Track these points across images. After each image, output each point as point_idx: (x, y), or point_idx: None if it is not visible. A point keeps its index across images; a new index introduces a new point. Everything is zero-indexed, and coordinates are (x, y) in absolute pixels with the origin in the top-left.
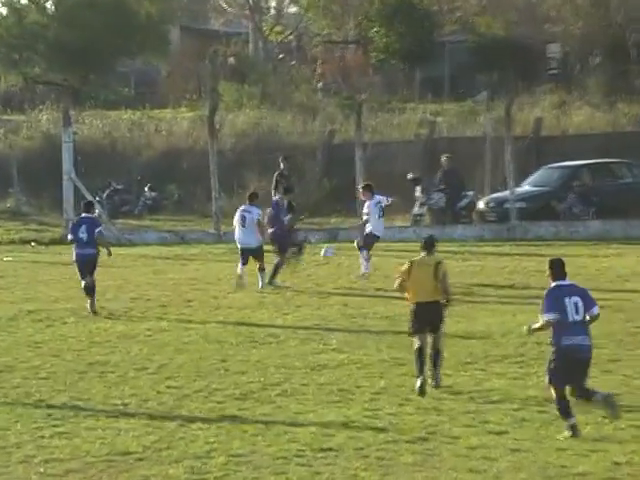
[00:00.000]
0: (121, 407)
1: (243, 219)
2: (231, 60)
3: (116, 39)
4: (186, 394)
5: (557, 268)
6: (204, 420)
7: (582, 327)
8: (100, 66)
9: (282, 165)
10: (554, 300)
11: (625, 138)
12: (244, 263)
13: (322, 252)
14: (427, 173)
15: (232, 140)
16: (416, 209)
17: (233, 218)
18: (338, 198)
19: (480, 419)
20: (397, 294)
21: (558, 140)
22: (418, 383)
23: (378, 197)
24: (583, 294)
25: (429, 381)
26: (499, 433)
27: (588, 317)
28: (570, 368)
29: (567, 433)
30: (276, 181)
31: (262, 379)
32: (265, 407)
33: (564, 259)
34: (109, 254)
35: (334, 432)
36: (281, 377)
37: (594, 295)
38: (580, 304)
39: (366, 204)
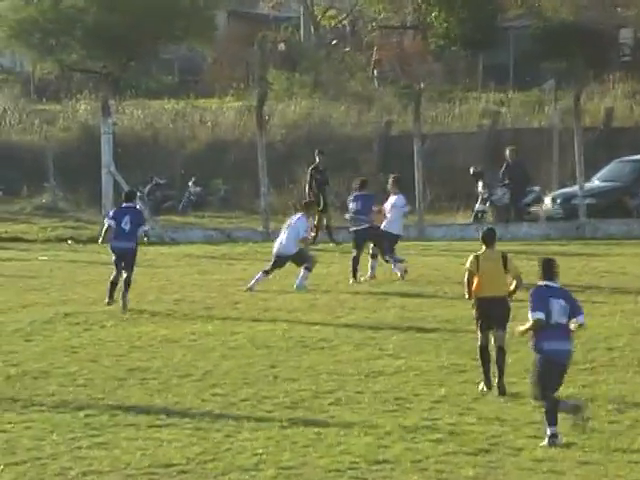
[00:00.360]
0: (163, 416)
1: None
2: (281, 46)
3: (159, 24)
4: (233, 402)
5: (547, 268)
6: (252, 430)
7: (565, 331)
8: (141, 53)
9: (318, 159)
10: (539, 299)
11: None
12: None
13: None
14: (490, 167)
15: (282, 132)
16: (478, 205)
17: (284, 215)
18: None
19: (543, 430)
20: (457, 297)
21: (630, 132)
22: (482, 386)
23: (403, 198)
24: (569, 298)
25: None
26: (566, 445)
27: (573, 325)
28: (552, 373)
29: (546, 442)
30: (310, 176)
31: (314, 387)
32: (317, 416)
33: (556, 260)
34: None
35: (390, 443)
36: (334, 384)
37: None
38: (565, 307)
39: (392, 199)
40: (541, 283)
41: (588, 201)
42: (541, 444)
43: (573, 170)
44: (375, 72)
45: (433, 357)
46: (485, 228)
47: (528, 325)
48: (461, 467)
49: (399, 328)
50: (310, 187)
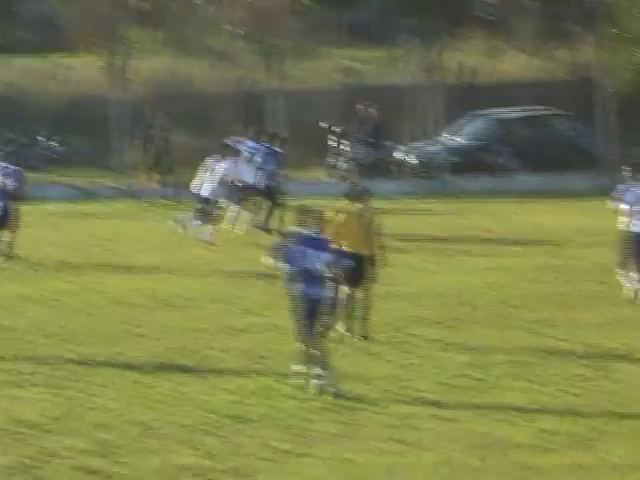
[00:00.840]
0: (28, 376)
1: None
2: (144, 4)
3: None
4: (98, 361)
5: (300, 215)
6: (116, 389)
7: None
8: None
9: (156, 118)
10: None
11: (561, 87)
12: None
13: None
14: (350, 124)
15: (144, 90)
16: (338, 162)
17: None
18: None
19: (409, 387)
20: None
21: (490, 89)
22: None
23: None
24: (322, 247)
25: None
26: (427, 401)
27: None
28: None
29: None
30: (148, 134)
31: (179, 345)
32: (182, 375)
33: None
34: None
35: (254, 402)
36: (199, 343)
37: (534, 253)
38: (318, 254)
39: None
40: (299, 234)
41: (449, 157)
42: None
43: (434, 127)
44: (237, 30)
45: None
46: (352, 185)
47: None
48: (321, 424)
49: (264, 287)
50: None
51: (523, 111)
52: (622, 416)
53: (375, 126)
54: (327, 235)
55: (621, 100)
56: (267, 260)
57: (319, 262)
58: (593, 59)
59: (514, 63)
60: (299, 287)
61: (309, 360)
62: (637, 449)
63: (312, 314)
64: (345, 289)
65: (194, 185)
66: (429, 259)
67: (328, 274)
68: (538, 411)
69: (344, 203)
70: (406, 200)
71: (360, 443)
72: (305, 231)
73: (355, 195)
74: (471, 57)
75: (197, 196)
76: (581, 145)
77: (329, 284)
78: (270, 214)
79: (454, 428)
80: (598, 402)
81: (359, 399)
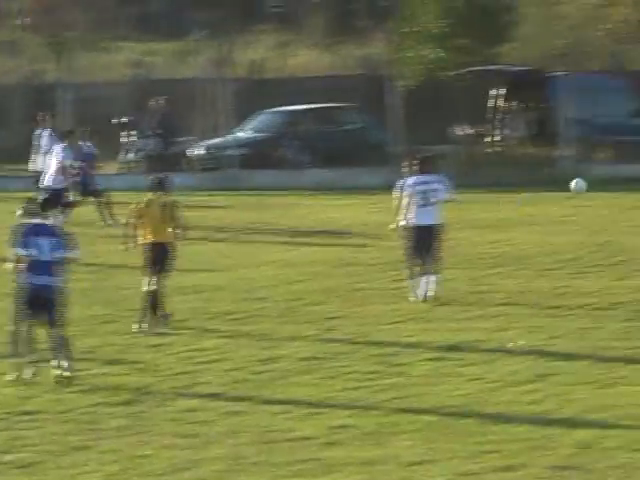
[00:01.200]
0: None
1: None
2: None
3: None
4: None
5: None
6: None
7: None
8: None
9: None
10: (24, 235)
11: (350, 81)
12: None
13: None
14: (140, 117)
15: None
16: (129, 155)
17: None
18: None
19: (194, 380)
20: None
21: (280, 83)
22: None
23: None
24: (57, 235)
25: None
26: (214, 395)
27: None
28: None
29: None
30: None
31: None
32: None
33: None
34: None
35: (37, 393)
36: None
37: (324, 247)
38: (53, 242)
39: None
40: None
41: (238, 151)
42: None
43: (225, 120)
44: (23, 21)
45: (84, 308)
46: (160, 175)
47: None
48: (108, 417)
49: None
50: None
51: (313, 105)
52: (410, 411)
53: (164, 119)
54: (132, 225)
55: (410, 95)
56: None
57: (50, 250)
58: (384, 54)
59: (305, 58)
60: (26, 275)
61: (25, 349)
62: (426, 444)
63: (38, 303)
64: (145, 281)
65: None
66: (219, 253)
67: (60, 261)
68: (327, 406)
69: (147, 195)
70: (196, 194)
71: (147, 437)
72: (34, 220)
73: (155, 186)
74: (262, 52)
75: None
76: (371, 139)
77: (60, 273)
78: (101, 210)
79: (242, 422)
80: (387, 397)
81: (147, 393)
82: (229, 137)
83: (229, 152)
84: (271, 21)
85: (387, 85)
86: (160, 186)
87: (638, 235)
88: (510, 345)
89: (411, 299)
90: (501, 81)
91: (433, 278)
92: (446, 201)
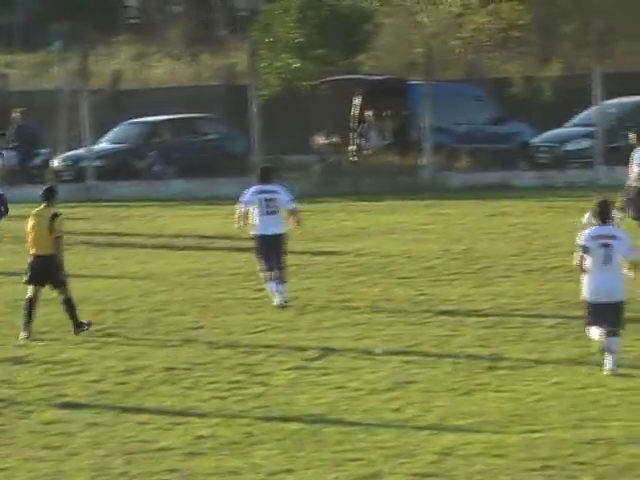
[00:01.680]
0: None
1: None
2: None
3: None
4: None
5: None
6: None
7: None
8: None
9: None
10: None
11: (211, 92)
12: None
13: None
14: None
15: None
16: None
17: None
18: None
19: (57, 392)
20: None
21: (139, 94)
22: (23, 335)
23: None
24: None
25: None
26: (77, 406)
27: None
28: None
29: None
30: None
31: None
32: None
33: None
34: None
35: None
36: None
37: (182, 258)
38: None
39: None
40: None
41: (97, 163)
42: None
43: (84, 132)
44: None
45: None
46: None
47: None
48: None
49: None
50: None
51: (173, 116)
52: (274, 420)
53: (22, 131)
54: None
55: (270, 105)
56: None
57: None
58: (244, 65)
59: (166, 69)
60: None
61: None
62: (289, 452)
63: None
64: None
65: None
66: (79, 265)
67: None
68: (190, 416)
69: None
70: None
71: (9, 449)
72: None
73: (43, 196)
74: (122, 63)
75: None
76: (232, 150)
77: None
78: None
79: (105, 433)
80: (250, 407)
81: (8, 405)
82: (88, 148)
83: (87, 163)
84: (130, 32)
85: (247, 95)
86: (49, 196)
87: (496, 242)
88: (374, 352)
89: (274, 303)
90: (361, 90)
91: (281, 287)
92: (288, 210)
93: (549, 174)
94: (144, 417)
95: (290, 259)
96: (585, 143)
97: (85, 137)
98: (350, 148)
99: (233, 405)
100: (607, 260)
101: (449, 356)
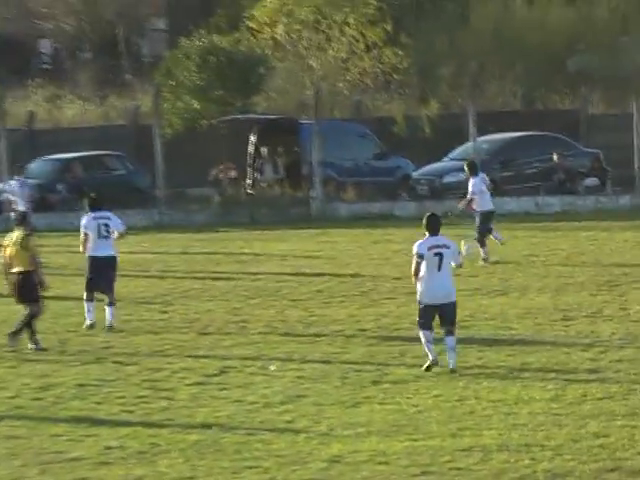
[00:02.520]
0: None
1: None
2: None
3: None
4: None
5: None
6: None
7: None
8: None
9: None
10: None
11: (116, 131)
12: None
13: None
14: None
15: None
16: None
17: None
18: None
19: None
20: None
21: (51, 133)
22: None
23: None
24: None
25: None
26: None
27: None
28: None
29: None
30: None
31: None
32: None
33: None
34: None
35: None
36: None
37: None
38: None
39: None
40: None
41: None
42: None
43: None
44: None
45: None
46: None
47: None
48: None
49: None
50: None
51: (83, 154)
52: (178, 432)
53: None
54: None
55: (173, 143)
56: None
57: None
58: (148, 106)
59: (76, 110)
60: None
61: None
62: (190, 461)
63: None
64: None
65: None
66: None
67: None
68: (100, 428)
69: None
70: None
71: None
72: None
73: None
74: (35, 104)
75: None
76: (137, 184)
77: None
78: None
79: (19, 445)
80: (156, 419)
81: None
82: (6, 183)
83: (3, 198)
84: (43, 76)
85: (152, 134)
86: (21, 220)
87: (380, 267)
88: (269, 369)
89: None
90: (255, 128)
91: (110, 309)
92: (120, 234)
93: (428, 204)
94: (58, 429)
95: (192, 283)
96: (461, 176)
97: (2, 172)
98: (247, 182)
99: (140, 418)
100: (440, 266)
101: (338, 371)
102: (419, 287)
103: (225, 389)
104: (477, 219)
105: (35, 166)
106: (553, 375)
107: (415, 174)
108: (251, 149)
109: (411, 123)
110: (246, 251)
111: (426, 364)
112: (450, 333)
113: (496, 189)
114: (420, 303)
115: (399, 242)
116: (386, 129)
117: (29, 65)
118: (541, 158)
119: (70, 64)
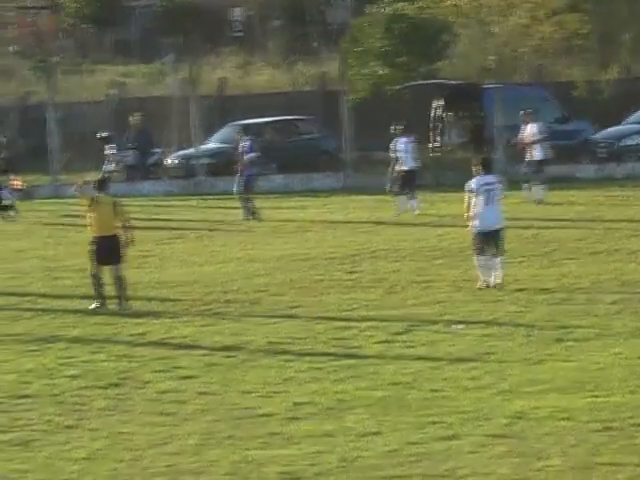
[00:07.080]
0: None
1: None
2: None
3: None
4: None
5: None
6: None
7: None
8: None
9: None
10: None
11: (305, 97)
12: None
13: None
14: (118, 132)
15: None
16: (109, 166)
17: None
18: (35, 156)
19: (171, 365)
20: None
21: (242, 99)
22: (94, 305)
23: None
24: None
25: (114, 307)
26: (188, 377)
27: None
28: None
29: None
30: None
31: None
32: None
33: None
34: None
35: (31, 379)
36: None
37: (283, 244)
38: None
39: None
40: None
41: (205, 161)
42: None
43: (195, 133)
44: (13, 48)
45: (68, 302)
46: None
47: None
48: (94, 399)
49: (38, 277)
50: None
51: (273, 118)
52: (364, 388)
53: (140, 133)
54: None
55: (358, 108)
56: None
57: None
58: (335, 72)
59: (266, 76)
60: None
61: None
62: (375, 417)
63: None
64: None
65: None
66: (189, 250)
67: None
68: (288, 385)
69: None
70: (167, 198)
71: (128, 416)
72: None
73: (97, 187)
74: (227, 71)
75: None
76: (325, 148)
77: None
78: None
79: (211, 401)
80: (341, 377)
81: (127, 376)
82: (197, 148)
83: (196, 161)
84: (235, 44)
85: (339, 99)
86: (103, 185)
87: (562, 228)
88: (455, 328)
89: None
90: (440, 94)
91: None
92: None
93: (608, 167)
94: (248, 386)
95: (379, 244)
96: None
97: (194, 138)
98: (430, 145)
99: (328, 375)
100: (491, 199)
101: (522, 330)
102: (473, 216)
103: (410, 347)
104: None
105: (226, 131)
106: None
107: (594, 137)
108: (435, 114)
109: (591, 87)
110: (433, 212)
111: (478, 284)
112: (497, 255)
113: None
114: (474, 231)
115: (581, 204)
116: (567, 93)
117: (221, 34)
118: None
119: (260, 32)
